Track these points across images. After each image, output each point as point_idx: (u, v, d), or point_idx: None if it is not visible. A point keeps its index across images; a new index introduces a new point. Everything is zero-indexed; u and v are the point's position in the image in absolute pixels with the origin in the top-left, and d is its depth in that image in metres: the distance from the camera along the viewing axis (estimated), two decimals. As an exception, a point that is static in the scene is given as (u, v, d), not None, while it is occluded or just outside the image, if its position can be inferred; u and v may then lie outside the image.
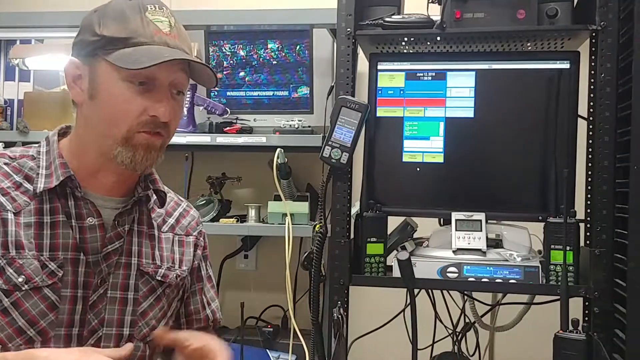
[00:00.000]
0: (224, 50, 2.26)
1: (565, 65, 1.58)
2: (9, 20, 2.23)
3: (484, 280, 1.54)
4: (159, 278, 1.19)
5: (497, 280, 1.53)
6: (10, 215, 1.06)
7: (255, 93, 2.29)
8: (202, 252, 1.32)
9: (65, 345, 1.07)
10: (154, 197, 1.22)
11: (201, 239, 1.32)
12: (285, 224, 2.01)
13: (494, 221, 1.63)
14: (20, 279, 1.04)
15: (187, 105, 2.20)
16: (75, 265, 1.09)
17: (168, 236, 1.24)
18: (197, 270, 1.31)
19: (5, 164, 1.12)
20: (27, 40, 2.40)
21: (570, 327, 1.41)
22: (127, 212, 1.16)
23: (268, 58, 2.25)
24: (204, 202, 2.25)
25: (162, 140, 1.12)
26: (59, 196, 1.10)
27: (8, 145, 2.19)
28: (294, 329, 1.95)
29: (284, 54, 2.23)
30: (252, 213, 2.22)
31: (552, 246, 1.50)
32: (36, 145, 1.16)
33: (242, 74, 2.28)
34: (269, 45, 2.23)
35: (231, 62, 2.27)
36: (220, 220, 2.21)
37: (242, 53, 2.26)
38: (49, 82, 2.42)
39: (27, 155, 1.14)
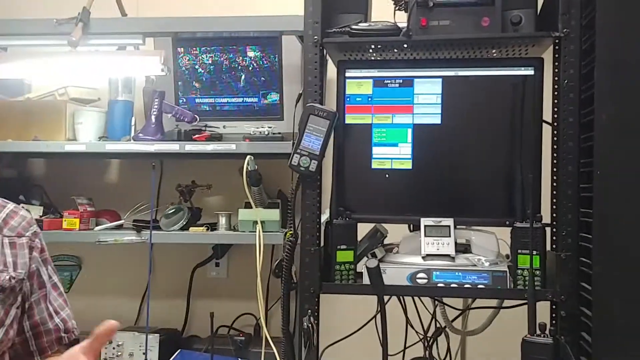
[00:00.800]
0: (192, 57, 2.24)
1: (530, 71, 1.60)
2: None
3: (452, 285, 1.55)
4: None
5: (466, 286, 1.54)
6: None
7: (225, 100, 2.27)
8: (39, 254, 1.23)
9: None
10: None
11: (36, 240, 1.22)
12: (256, 231, 1.99)
13: (463, 226, 1.65)
14: None
15: (155, 113, 2.18)
16: None
17: None
18: (37, 275, 1.21)
19: None
20: (-10, 47, 2.35)
21: (538, 331, 1.43)
22: None
23: (236, 64, 2.23)
24: (174, 210, 2.22)
25: None
26: None
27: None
28: (266, 337, 1.93)
29: (252, 60, 2.22)
30: (222, 221, 2.21)
31: (519, 251, 1.51)
32: None
33: (210, 80, 2.26)
34: (238, 52, 2.22)
35: (199, 69, 2.25)
36: (190, 228, 2.18)
37: (209, 60, 2.24)
38: (12, 90, 2.37)
39: None
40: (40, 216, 2.21)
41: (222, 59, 2.23)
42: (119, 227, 2.24)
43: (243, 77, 2.23)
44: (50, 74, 2.16)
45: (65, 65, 2.08)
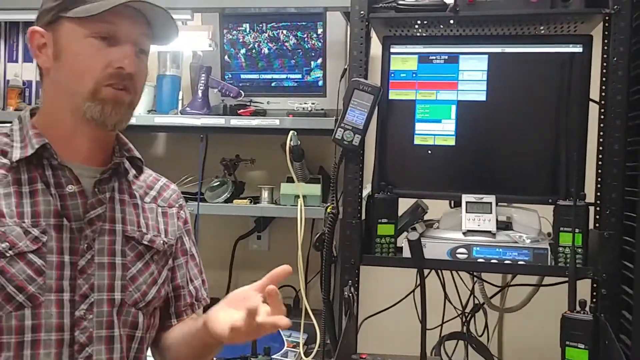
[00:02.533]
0: (239, 34, 2.28)
1: (578, 49, 1.58)
2: (29, 2, 2.24)
3: (493, 261, 1.56)
4: (146, 243, 1.20)
5: (506, 262, 1.55)
6: None
7: (269, 76, 2.31)
8: (183, 225, 1.33)
9: (58, 310, 1.07)
10: (132, 170, 1.24)
11: (182, 212, 1.33)
12: (297, 205, 2.04)
13: (505, 204, 1.65)
14: (3, 245, 1.05)
15: (201, 88, 2.23)
16: (59, 231, 1.10)
17: (152, 206, 1.26)
18: (180, 243, 1.32)
19: None
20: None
21: (578, 308, 1.44)
22: (106, 180, 1.17)
23: (282, 41, 2.26)
24: (218, 183, 2.28)
25: (130, 97, 1.14)
26: (36, 166, 1.12)
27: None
28: (306, 308, 1.98)
29: (297, 36, 2.25)
30: (265, 194, 2.26)
31: (562, 228, 1.52)
32: (9, 124, 1.19)
33: (255, 56, 2.30)
34: (283, 28, 2.25)
35: (245, 45, 2.29)
36: (234, 201, 2.24)
37: (255, 36, 2.27)
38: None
39: (1, 132, 1.16)
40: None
41: (267, 35, 2.26)
42: (166, 198, 2.30)
43: (286, 53, 2.26)
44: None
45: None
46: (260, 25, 2.26)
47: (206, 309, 1.22)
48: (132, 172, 1.24)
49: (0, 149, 1.13)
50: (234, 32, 2.28)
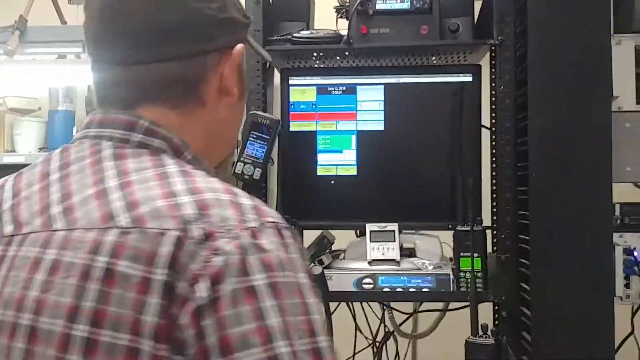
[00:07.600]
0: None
1: (468, 78, 1.63)
2: None
3: (398, 289, 1.56)
4: None
5: (411, 289, 1.56)
6: None
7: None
8: None
9: None
10: None
11: None
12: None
13: (410, 231, 1.67)
14: None
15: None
16: None
17: None
18: None
19: None
20: None
21: (480, 332, 1.46)
22: None
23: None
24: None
25: None
26: None
27: None
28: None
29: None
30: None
31: (461, 254, 1.54)
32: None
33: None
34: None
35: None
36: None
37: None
38: None
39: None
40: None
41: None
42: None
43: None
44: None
45: (2, 75, 2.02)
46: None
47: None
48: None
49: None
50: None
